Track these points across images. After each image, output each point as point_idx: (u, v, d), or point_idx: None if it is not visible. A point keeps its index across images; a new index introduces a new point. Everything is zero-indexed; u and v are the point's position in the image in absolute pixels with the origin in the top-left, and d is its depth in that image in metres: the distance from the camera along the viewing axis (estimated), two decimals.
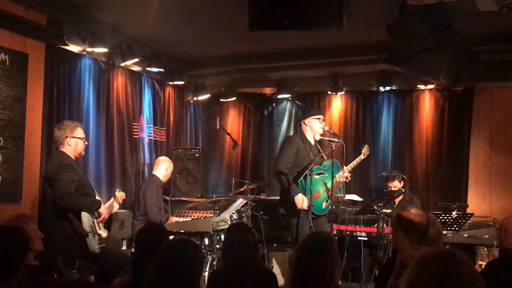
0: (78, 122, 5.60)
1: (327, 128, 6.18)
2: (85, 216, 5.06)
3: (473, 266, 2.27)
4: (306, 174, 5.69)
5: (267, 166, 9.80)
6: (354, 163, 6.23)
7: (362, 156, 6.35)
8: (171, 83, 8.50)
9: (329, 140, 5.94)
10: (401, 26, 5.70)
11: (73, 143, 5.27)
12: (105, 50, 6.39)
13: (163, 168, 7.11)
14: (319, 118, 6.17)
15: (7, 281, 2.73)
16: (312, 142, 6.14)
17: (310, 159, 5.89)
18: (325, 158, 6.05)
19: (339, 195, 6.22)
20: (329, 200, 5.90)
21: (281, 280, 6.02)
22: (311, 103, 9.35)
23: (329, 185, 5.85)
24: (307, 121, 6.16)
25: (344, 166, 6.03)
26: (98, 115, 6.92)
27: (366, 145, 6.57)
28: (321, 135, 6.15)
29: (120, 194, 5.74)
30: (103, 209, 5.38)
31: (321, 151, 6.08)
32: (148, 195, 6.73)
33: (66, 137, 5.24)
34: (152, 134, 8.23)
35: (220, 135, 9.80)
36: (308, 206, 5.69)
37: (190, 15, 6.27)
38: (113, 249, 5.43)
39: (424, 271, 2.10)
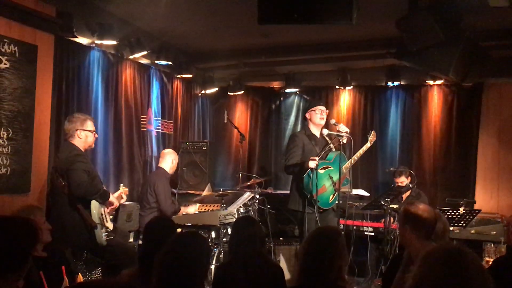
0: (87, 114, 5.63)
1: (333, 121, 6.15)
2: (94, 207, 5.10)
3: (481, 262, 2.26)
4: (312, 168, 5.67)
5: (274, 160, 9.81)
6: (360, 152, 6.16)
7: (368, 144, 6.28)
8: (179, 76, 8.50)
9: (337, 135, 5.93)
10: (411, 21, 5.68)
11: (83, 136, 5.31)
12: (114, 42, 6.40)
13: (169, 161, 7.14)
14: (314, 110, 6.13)
15: (15, 272, 2.74)
16: (318, 135, 6.13)
17: (316, 154, 5.88)
18: (334, 150, 6.02)
19: (346, 188, 6.20)
20: (336, 193, 5.89)
21: (287, 274, 6.03)
22: (319, 97, 9.32)
23: (335, 178, 5.84)
24: (307, 114, 6.16)
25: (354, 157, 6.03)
26: (106, 107, 6.94)
27: (373, 131, 6.47)
28: (328, 128, 6.13)
29: (124, 189, 5.78)
30: (114, 199, 5.45)
31: (329, 142, 6.05)
32: (161, 189, 6.79)
33: (76, 130, 5.28)
34: (160, 127, 8.24)
35: (228, 129, 9.81)
36: (314, 200, 5.69)
37: (199, 8, 6.27)
38: (120, 242, 5.47)
39: (431, 268, 2.09)
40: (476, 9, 5.61)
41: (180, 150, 8.24)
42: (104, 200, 5.32)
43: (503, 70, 7.29)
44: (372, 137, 6.34)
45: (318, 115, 6.11)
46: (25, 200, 5.29)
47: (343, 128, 5.99)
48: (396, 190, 6.64)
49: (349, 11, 4.52)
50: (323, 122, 6.13)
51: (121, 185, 5.95)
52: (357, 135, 8.78)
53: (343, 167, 5.86)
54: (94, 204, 5.12)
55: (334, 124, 6.13)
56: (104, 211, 5.27)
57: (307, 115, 6.18)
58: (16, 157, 5.25)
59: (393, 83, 8.37)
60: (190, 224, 6.20)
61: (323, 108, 6.20)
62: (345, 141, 5.96)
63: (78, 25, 5.86)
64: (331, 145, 6.03)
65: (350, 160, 5.99)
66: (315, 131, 6.13)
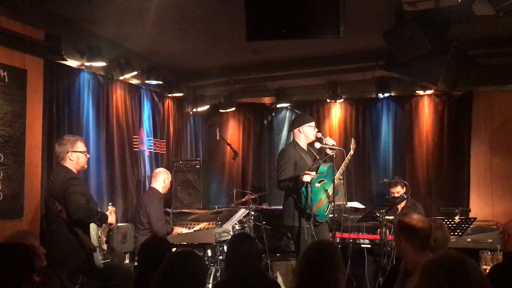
0: (77, 135, 5.62)
1: (319, 134, 6.14)
2: (93, 229, 5.07)
3: (482, 272, 2.25)
4: (307, 183, 5.66)
5: (268, 175, 9.79)
6: (346, 161, 6.14)
7: (351, 152, 6.24)
8: (170, 95, 8.51)
9: (330, 148, 5.91)
10: (398, 33, 5.72)
11: (75, 157, 5.29)
12: (103, 64, 6.40)
13: (161, 180, 7.12)
14: (311, 125, 6.15)
15: None
16: (306, 149, 6.13)
17: (308, 167, 5.88)
18: (321, 163, 6.01)
19: (341, 201, 6.18)
20: (330, 205, 5.88)
21: None
22: (310, 112, 9.32)
23: (329, 190, 5.84)
24: (301, 128, 6.13)
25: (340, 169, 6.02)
26: (98, 129, 6.92)
27: (353, 139, 6.47)
28: (319, 141, 6.11)
29: (111, 208, 5.76)
30: (112, 219, 5.44)
31: (317, 157, 6.05)
32: (152, 210, 6.76)
33: (67, 152, 5.26)
34: (152, 147, 8.23)
35: (221, 146, 9.80)
36: (312, 215, 5.66)
37: (187, 27, 6.29)
38: (117, 264, 5.43)
39: (433, 277, 2.09)
40: (463, 18, 5.66)
41: (173, 169, 8.22)
42: (102, 222, 5.29)
43: (492, 78, 7.35)
44: (352, 145, 6.33)
45: (313, 130, 6.12)
46: (18, 225, 5.26)
47: (330, 141, 5.99)
48: (391, 201, 6.63)
49: (336, 25, 4.54)
50: (315, 138, 6.14)
51: (110, 204, 5.93)
52: (349, 147, 8.77)
53: (334, 177, 5.87)
54: (93, 226, 5.09)
55: (320, 137, 6.12)
56: (101, 233, 5.24)
57: (300, 129, 6.14)
58: (8, 182, 5.22)
59: (383, 94, 8.39)
60: (185, 243, 6.16)
61: (314, 123, 6.25)
62: (333, 155, 5.91)
63: (67, 48, 5.86)
64: (319, 160, 6.02)
65: (338, 171, 5.99)
66: (303, 145, 6.14)
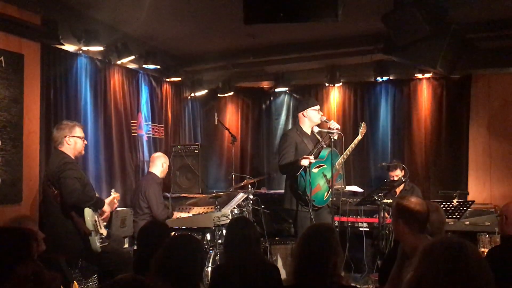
0: (76, 121, 5.61)
1: (324, 118, 6.14)
2: (88, 214, 5.07)
3: (482, 257, 2.26)
4: (305, 167, 5.66)
5: (267, 159, 9.81)
6: (352, 145, 6.14)
7: (359, 136, 6.24)
8: (168, 79, 8.49)
9: (328, 132, 5.91)
10: (397, 16, 5.69)
11: (72, 142, 5.29)
12: (100, 48, 6.37)
13: (159, 164, 7.12)
14: (315, 109, 6.13)
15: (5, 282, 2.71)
16: (309, 133, 6.12)
17: (308, 152, 5.88)
18: (325, 147, 6.00)
19: (339, 185, 6.18)
20: (330, 190, 5.88)
21: (284, 274, 6.02)
22: (309, 95, 9.30)
23: (329, 176, 5.83)
24: (305, 112, 6.12)
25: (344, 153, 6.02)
26: (95, 113, 6.91)
27: (363, 123, 6.45)
28: (318, 125, 6.10)
29: (115, 195, 5.76)
30: (107, 207, 5.44)
31: (320, 140, 6.05)
32: (151, 194, 6.76)
33: (65, 137, 5.26)
34: (150, 132, 8.22)
35: (219, 131, 9.80)
36: (309, 199, 5.68)
37: (185, 11, 6.26)
38: (115, 248, 5.44)
39: (433, 263, 2.09)
40: (461, 1, 5.63)
41: (172, 154, 8.22)
42: (98, 208, 5.30)
43: (491, 61, 7.31)
44: (362, 129, 6.32)
45: (317, 114, 6.10)
46: (18, 210, 5.27)
47: (334, 125, 5.97)
48: (389, 184, 6.65)
49: (334, 8, 4.52)
50: (320, 121, 6.12)
51: (113, 190, 5.93)
52: (348, 131, 8.77)
53: (336, 163, 5.86)
54: (87, 211, 5.10)
55: (325, 121, 6.10)
56: (98, 218, 5.25)
57: (304, 113, 6.12)
58: (6, 167, 5.23)
59: (382, 78, 8.37)
60: (184, 227, 6.17)
61: (319, 106, 6.22)
62: (336, 137, 5.92)
63: (64, 32, 5.84)
64: (323, 142, 6.02)
65: (342, 155, 5.99)
66: (307, 129, 6.12)
